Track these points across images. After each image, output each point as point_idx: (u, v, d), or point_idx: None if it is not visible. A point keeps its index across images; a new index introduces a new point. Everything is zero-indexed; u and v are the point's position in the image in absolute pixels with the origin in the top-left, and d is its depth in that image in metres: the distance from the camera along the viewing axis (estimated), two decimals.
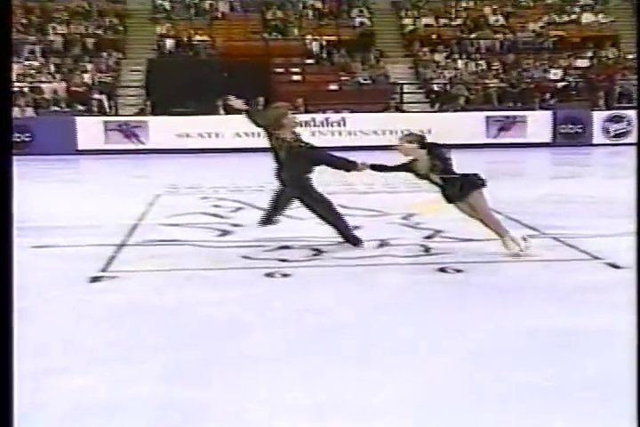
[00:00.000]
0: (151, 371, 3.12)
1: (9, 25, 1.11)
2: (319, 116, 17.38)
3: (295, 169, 5.54)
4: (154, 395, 2.85)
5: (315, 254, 5.47)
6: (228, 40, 20.71)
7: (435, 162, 5.08)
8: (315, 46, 21.18)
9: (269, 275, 4.83)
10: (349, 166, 5.58)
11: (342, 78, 19.97)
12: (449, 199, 5.22)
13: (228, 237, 6.28)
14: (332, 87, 19.60)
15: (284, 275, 4.83)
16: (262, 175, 11.09)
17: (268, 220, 5.81)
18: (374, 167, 5.50)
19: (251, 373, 3.09)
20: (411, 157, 5.20)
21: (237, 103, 6.07)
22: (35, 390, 2.85)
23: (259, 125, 5.89)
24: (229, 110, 17.41)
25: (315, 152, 5.63)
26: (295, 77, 19.90)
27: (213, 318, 3.92)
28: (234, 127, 16.69)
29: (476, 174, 5.17)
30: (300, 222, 6.37)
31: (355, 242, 5.58)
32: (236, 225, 6.85)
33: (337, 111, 17.84)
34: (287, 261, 5.25)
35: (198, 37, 20.96)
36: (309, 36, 21.43)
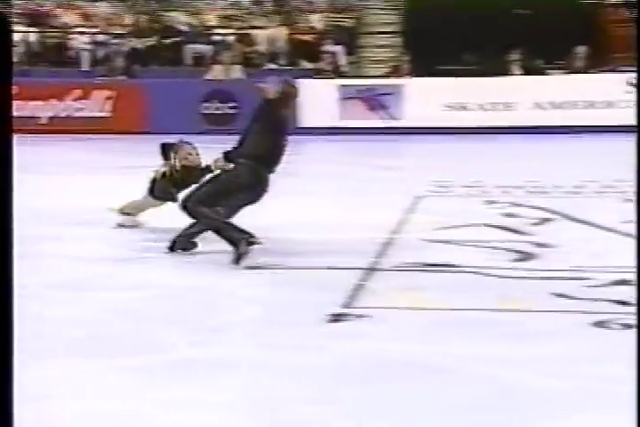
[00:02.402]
0: None
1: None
2: None
3: None
4: None
5: None
6: None
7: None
8: None
9: (600, 324, 4.82)
10: None
11: None
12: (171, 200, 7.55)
13: (531, 264, 6.36)
14: None
15: (625, 325, 4.79)
16: (580, 169, 11.06)
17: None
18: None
19: None
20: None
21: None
22: None
23: None
24: (529, 68, 17.48)
25: None
26: None
27: (506, 383, 4.01)
28: (534, 94, 16.63)
29: None
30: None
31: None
32: (541, 245, 6.91)
33: None
34: (628, 304, 5.19)
35: None
36: None
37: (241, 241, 6.43)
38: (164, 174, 7.64)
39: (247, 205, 6.77)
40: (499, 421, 3.63)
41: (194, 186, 7.18)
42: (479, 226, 7.74)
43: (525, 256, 6.59)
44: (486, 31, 17.40)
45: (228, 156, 6.86)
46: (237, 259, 6.36)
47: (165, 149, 7.72)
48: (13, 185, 1.41)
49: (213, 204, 6.59)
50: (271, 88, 6.84)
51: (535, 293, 5.58)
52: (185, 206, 6.66)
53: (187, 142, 7.78)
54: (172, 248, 6.73)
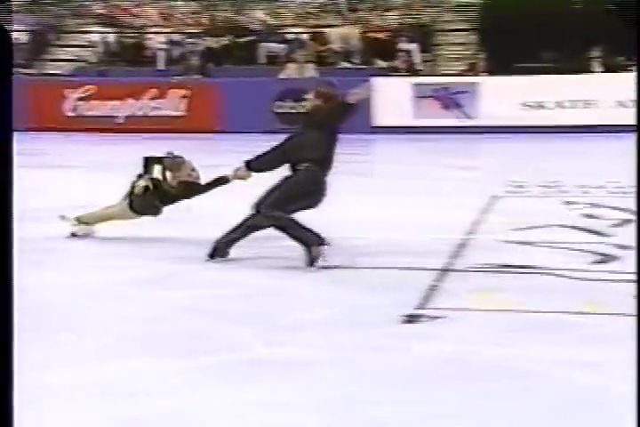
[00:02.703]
0: None
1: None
2: None
3: None
4: None
5: None
6: None
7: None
8: None
9: None
10: None
11: None
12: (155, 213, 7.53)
13: (611, 266, 6.26)
14: None
15: None
16: None
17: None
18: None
19: None
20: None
21: None
22: None
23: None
24: (610, 65, 17.23)
25: None
26: None
27: (583, 387, 3.95)
28: (615, 92, 16.40)
29: None
30: None
31: None
32: (622, 247, 6.78)
33: None
34: None
35: None
36: None
37: (314, 242, 6.41)
38: (146, 189, 7.37)
39: (304, 210, 6.66)
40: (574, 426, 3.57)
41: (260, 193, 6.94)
42: (557, 227, 7.64)
43: (606, 258, 6.49)
44: (566, 28, 17.18)
45: (250, 164, 6.81)
46: (312, 260, 6.34)
47: (148, 163, 7.49)
48: (13, 185, 1.39)
49: (284, 208, 6.53)
50: (359, 94, 6.71)
51: (616, 295, 5.47)
52: (258, 211, 6.55)
53: (179, 156, 7.53)
54: (212, 255, 6.58)
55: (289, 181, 6.65)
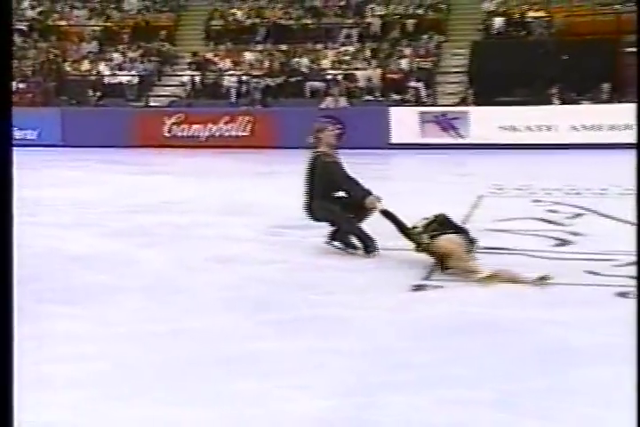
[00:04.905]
0: (481, 399, 3.19)
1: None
2: None
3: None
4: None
5: None
6: (570, 15, 20.00)
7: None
8: None
9: (622, 295, 4.65)
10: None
11: None
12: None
13: (568, 248, 6.20)
14: None
15: None
16: (605, 176, 10.77)
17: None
18: (385, 213, 5.98)
19: (583, 411, 3.04)
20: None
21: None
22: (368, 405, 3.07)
23: None
24: (565, 99, 17.07)
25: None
26: None
27: (550, 337, 3.90)
28: (570, 119, 16.28)
29: None
30: None
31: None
32: (575, 234, 6.72)
33: None
34: None
35: (533, 14, 20.62)
36: None
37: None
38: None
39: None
40: (540, 368, 3.56)
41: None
42: (527, 219, 7.56)
43: (564, 242, 6.44)
44: (534, 71, 17.13)
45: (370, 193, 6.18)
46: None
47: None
48: (13, 187, 1.38)
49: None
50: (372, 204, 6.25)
51: (571, 269, 5.43)
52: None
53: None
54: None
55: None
